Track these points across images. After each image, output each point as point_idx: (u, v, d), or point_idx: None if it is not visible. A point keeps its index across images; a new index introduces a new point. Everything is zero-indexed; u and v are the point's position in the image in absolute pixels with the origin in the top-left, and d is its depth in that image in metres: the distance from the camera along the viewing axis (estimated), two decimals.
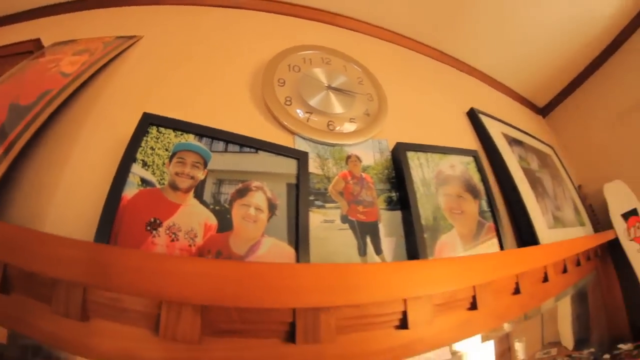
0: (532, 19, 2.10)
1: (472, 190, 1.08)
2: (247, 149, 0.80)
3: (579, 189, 2.56)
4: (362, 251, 0.85)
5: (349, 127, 1.03)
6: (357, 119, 1.06)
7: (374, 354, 0.71)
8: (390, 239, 0.88)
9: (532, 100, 2.78)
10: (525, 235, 1.32)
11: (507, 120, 1.91)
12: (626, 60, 2.46)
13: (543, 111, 2.89)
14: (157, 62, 1.06)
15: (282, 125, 0.97)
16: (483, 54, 2.24)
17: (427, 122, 1.38)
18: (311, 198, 0.83)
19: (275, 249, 0.72)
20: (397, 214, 0.93)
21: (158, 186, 0.71)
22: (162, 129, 0.76)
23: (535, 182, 1.60)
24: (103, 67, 0.98)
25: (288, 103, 0.99)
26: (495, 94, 2.39)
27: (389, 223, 0.90)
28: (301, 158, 0.84)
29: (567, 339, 1.90)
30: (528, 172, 1.59)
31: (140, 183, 0.70)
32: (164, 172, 0.72)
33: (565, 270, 1.57)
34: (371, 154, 1.01)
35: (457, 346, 0.94)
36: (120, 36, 1.11)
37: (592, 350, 1.78)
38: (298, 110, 0.99)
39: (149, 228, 0.66)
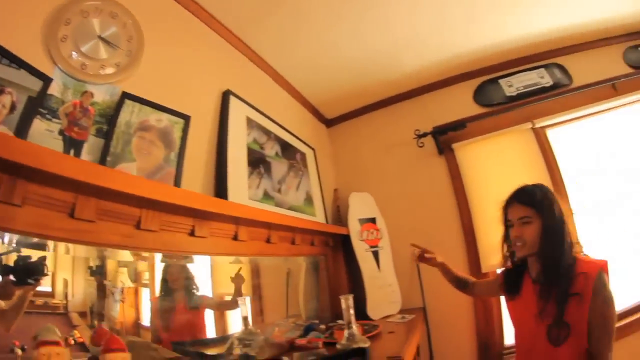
0: (342, 44, 2.96)
1: (166, 141, 1.83)
2: (14, 65, 1.43)
3: (335, 191, 3.76)
4: None
5: (98, 71, 1.70)
6: (108, 67, 1.73)
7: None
8: (89, 156, 1.61)
9: (320, 110, 3.90)
10: (220, 194, 2.09)
11: (268, 113, 2.73)
12: (407, 110, 3.87)
13: (329, 122, 4.13)
14: None
15: (50, 55, 1.51)
16: (283, 56, 3.05)
17: (171, 86, 2.03)
18: (44, 111, 1.50)
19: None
20: (101, 140, 1.66)
21: None
22: None
23: (258, 163, 2.44)
24: None
25: (63, 40, 1.55)
26: (279, 92, 3.30)
27: (92, 144, 1.63)
28: (45, 82, 1.51)
29: (301, 311, 2.84)
30: (254, 152, 2.42)
31: None
32: None
33: (268, 241, 2.41)
34: (103, 95, 1.70)
35: None
36: None
37: (316, 321, 2.67)
38: (70, 49, 1.63)
39: None
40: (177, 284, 1.90)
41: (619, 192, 3.46)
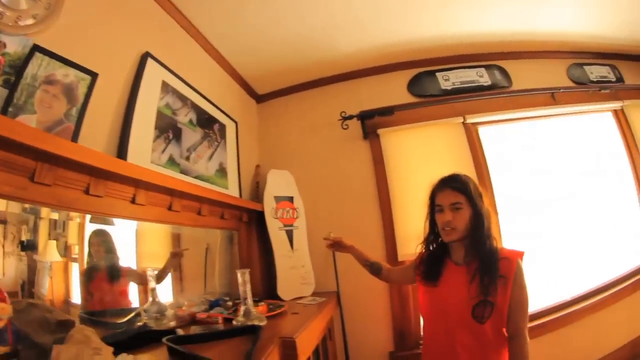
0: (279, 19, 3.18)
1: (69, 97, 2.00)
2: None
3: (257, 167, 4.04)
4: None
5: (16, 22, 1.83)
6: (24, 19, 1.85)
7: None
8: None
9: (251, 84, 4.14)
10: (121, 154, 2.22)
11: (189, 81, 2.94)
12: (339, 92, 4.22)
13: (260, 98, 4.38)
14: None
15: None
16: (216, 26, 3.26)
17: (86, 43, 2.12)
18: None
19: None
20: (7, 91, 1.80)
21: None
22: None
23: (167, 128, 2.64)
24: None
25: None
26: (207, 62, 3.49)
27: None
28: None
29: (216, 286, 3.07)
30: (164, 117, 2.61)
31: None
32: None
33: (170, 208, 2.47)
34: (16, 46, 1.85)
35: None
36: None
37: (226, 297, 2.83)
38: None
39: None
40: (99, 255, 2.04)
41: (544, 194, 4.00)
